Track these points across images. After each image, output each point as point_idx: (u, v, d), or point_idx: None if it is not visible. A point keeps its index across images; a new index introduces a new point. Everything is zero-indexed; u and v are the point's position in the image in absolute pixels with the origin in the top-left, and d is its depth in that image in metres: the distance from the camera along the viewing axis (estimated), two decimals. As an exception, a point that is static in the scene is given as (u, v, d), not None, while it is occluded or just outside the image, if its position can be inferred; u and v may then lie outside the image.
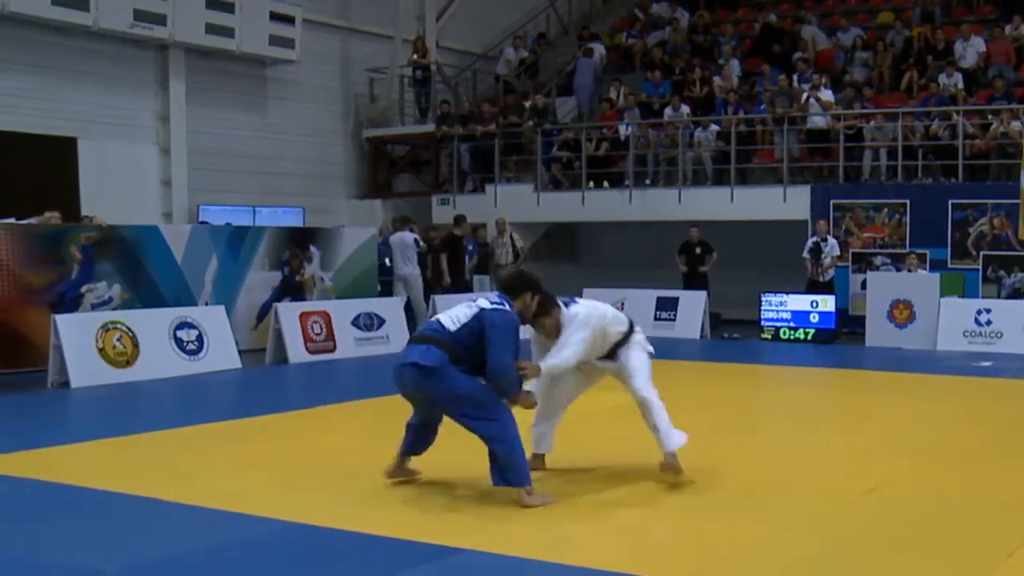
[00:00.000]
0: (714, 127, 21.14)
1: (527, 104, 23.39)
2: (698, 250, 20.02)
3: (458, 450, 9.37)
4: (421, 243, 19.66)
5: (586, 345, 7.68)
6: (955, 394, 13.10)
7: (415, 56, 24.28)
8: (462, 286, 19.85)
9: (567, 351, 7.61)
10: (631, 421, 10.51)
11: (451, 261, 19.98)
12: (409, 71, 24.57)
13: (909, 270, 17.86)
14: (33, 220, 14.71)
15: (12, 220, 14.38)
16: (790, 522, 6.93)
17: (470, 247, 20.63)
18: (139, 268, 15.20)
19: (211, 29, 20.43)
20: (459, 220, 20.49)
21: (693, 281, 20.00)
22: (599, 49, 25.28)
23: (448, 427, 10.23)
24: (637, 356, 8.04)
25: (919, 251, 18.21)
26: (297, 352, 15.85)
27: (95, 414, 12.03)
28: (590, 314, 7.80)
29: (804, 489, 7.81)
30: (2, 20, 17.90)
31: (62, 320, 13.42)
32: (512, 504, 7.31)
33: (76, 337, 13.39)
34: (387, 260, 19.76)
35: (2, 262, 13.64)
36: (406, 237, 19.51)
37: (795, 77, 21.26)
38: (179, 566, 6.11)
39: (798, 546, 6.42)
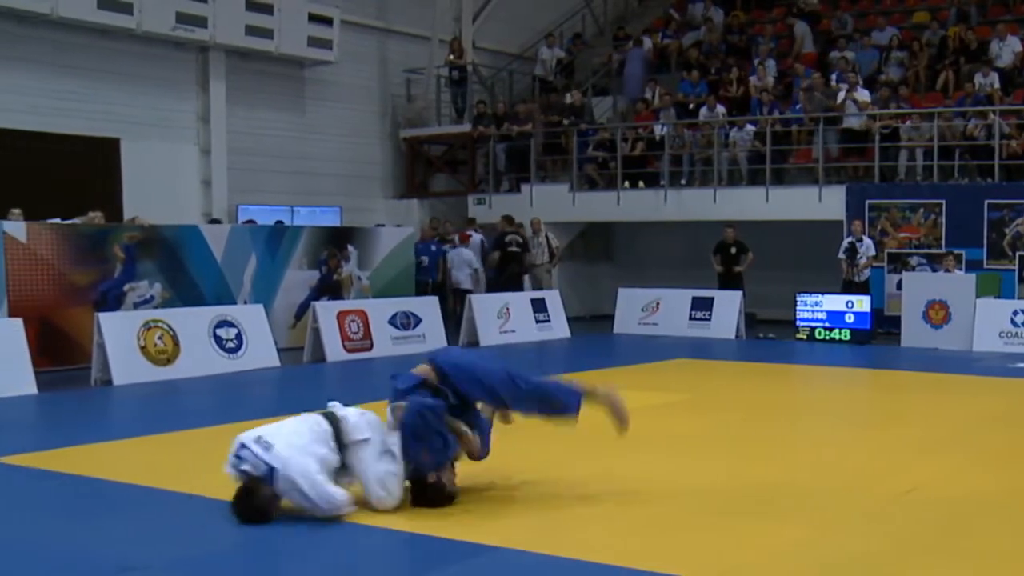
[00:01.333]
0: (750, 127, 21.15)
1: (568, 98, 23.46)
2: (733, 250, 20.06)
3: (496, 449, 9.46)
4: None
5: None
6: (991, 395, 13.05)
7: (452, 56, 24.43)
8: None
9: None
10: (666, 421, 10.65)
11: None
12: (446, 71, 24.72)
13: (947, 270, 17.82)
14: (77, 220, 14.97)
15: (57, 220, 14.64)
16: (827, 523, 6.90)
17: (433, 248, 20.73)
18: (180, 267, 15.42)
19: (251, 31, 20.65)
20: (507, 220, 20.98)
21: (728, 281, 20.02)
22: (648, 41, 25.41)
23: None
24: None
25: (955, 251, 18.18)
26: (335, 350, 16.01)
27: (137, 411, 12.21)
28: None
29: (841, 490, 7.77)
30: (50, 24, 18.19)
31: (105, 318, 13.61)
32: (547, 503, 7.35)
33: (119, 335, 13.58)
34: (424, 259, 19.92)
35: (47, 261, 13.90)
36: (464, 253, 19.87)
37: (833, 76, 21.23)
38: (220, 561, 6.20)
39: (835, 547, 6.38)
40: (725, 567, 6.03)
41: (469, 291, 20.08)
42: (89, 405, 12.45)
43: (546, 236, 21.15)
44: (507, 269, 20.78)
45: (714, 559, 6.16)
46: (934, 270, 18.32)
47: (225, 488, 7.54)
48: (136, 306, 14.72)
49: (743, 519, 7.00)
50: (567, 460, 8.71)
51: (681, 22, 26.94)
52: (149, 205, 17.91)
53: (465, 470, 7.61)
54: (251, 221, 19.27)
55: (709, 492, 7.70)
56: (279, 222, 19.24)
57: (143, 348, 13.79)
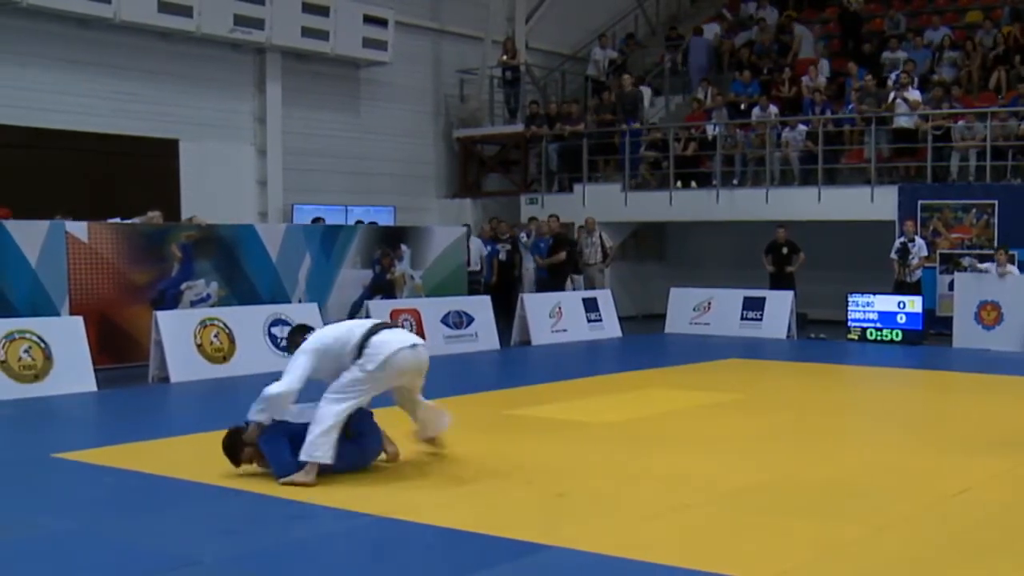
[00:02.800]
0: (802, 127, 21.11)
1: (623, 81, 23.51)
2: (785, 250, 20.03)
3: (539, 445, 9.53)
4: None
5: (303, 370, 8.13)
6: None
7: (505, 57, 24.55)
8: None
9: (284, 378, 8.08)
10: (718, 420, 10.72)
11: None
12: (499, 72, 24.85)
13: (998, 263, 17.51)
14: (136, 219, 15.22)
15: (117, 219, 14.91)
16: (880, 523, 6.87)
17: (488, 249, 20.88)
18: (236, 266, 15.58)
19: (307, 32, 20.88)
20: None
21: (780, 281, 20.01)
22: (712, 28, 25.45)
23: (532, 426, 10.40)
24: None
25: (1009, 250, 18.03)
26: (388, 349, 16.10)
27: (194, 408, 12.42)
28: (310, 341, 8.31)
29: (894, 490, 7.77)
30: (112, 27, 18.51)
31: (163, 316, 13.82)
32: (596, 500, 7.44)
33: (176, 333, 13.79)
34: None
35: (107, 260, 14.14)
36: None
37: (891, 77, 21.12)
38: (271, 557, 6.29)
39: (889, 547, 6.39)
40: (778, 568, 6.02)
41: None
42: (147, 402, 12.67)
43: (600, 236, 21.21)
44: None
45: (766, 559, 6.17)
46: (981, 261, 18.04)
47: (276, 486, 7.71)
48: (193, 304, 14.89)
49: (797, 519, 7.02)
50: (617, 459, 8.81)
51: (733, 22, 26.92)
52: (206, 205, 18.21)
53: (507, 468, 7.67)
54: (320, 219, 19.46)
55: (763, 492, 7.73)
56: (359, 221, 19.44)
57: (199, 346, 14.00)
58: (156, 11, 18.64)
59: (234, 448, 8.06)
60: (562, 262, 20.59)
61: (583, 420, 10.85)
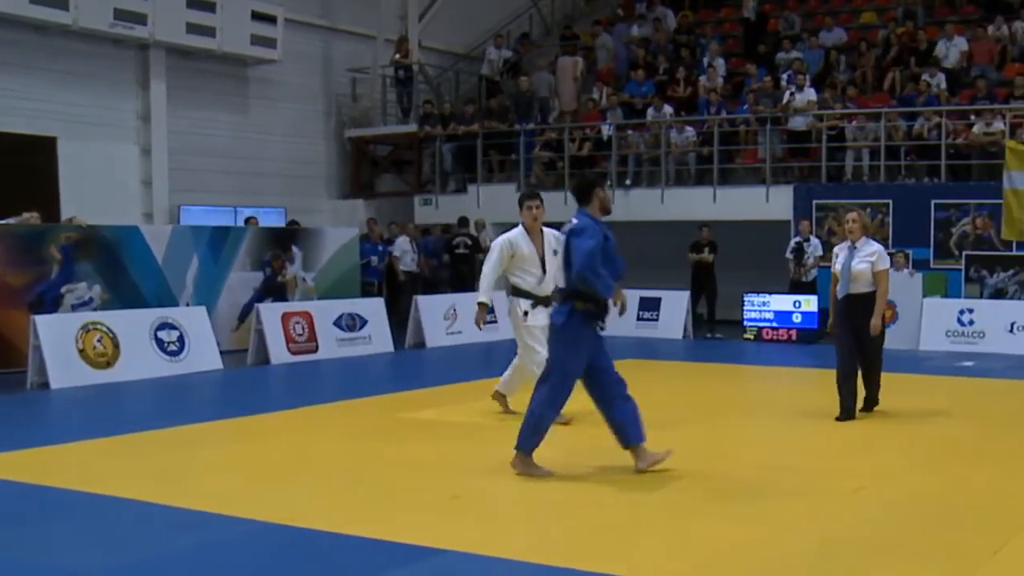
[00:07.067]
0: (690, 129, 21.11)
1: (518, 82, 23.36)
2: (707, 250, 19.89)
3: (433, 448, 9.38)
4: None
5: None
6: (938, 394, 13.11)
7: (398, 56, 24.25)
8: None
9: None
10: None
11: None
12: (391, 71, 24.54)
13: (896, 269, 17.73)
14: (12, 220, 14.65)
15: (-9, 220, 14.34)
16: (777, 522, 6.91)
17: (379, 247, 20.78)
18: (120, 268, 15.18)
19: (192, 29, 20.33)
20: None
21: (702, 280, 19.85)
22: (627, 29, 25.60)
23: (426, 429, 10.24)
24: None
25: (904, 251, 18.21)
26: (279, 353, 15.78)
27: (75, 415, 11.98)
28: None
29: (790, 489, 7.79)
30: (-19, 19, 17.82)
31: (42, 321, 13.37)
32: (491, 503, 7.38)
33: (56, 338, 13.34)
34: (372, 259, 19.87)
35: (-19, 262, 13.59)
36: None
37: (784, 77, 21.21)
38: (161, 567, 6.10)
39: (786, 546, 6.40)
40: (675, 568, 6.01)
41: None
42: (26, 409, 12.19)
43: (488, 236, 21.16)
44: (458, 270, 20.67)
45: (663, 560, 6.16)
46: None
47: (166, 494, 7.39)
48: (74, 308, 14.46)
49: (692, 519, 7.03)
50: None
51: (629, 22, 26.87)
52: (88, 205, 17.60)
53: (405, 471, 7.41)
54: (253, 219, 19.07)
55: (657, 493, 7.71)
56: (250, 219, 19.19)
57: (82, 351, 13.53)
58: (28, 2, 17.94)
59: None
60: (454, 264, 20.57)
61: (477, 422, 10.79)
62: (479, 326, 10.38)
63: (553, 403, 8.04)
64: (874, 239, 11.34)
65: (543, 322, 9.76)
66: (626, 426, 8.08)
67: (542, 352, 9.38)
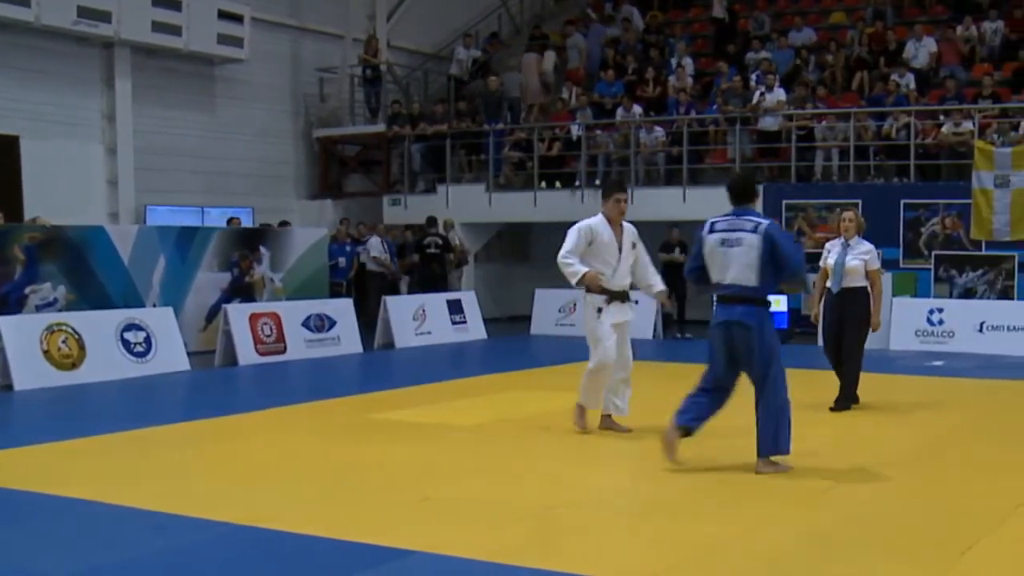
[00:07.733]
0: (659, 129, 21.09)
1: (488, 82, 23.29)
2: (677, 250, 19.85)
3: (403, 449, 9.33)
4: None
5: None
6: (908, 393, 13.10)
7: (366, 55, 24.12)
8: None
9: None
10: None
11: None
12: (360, 71, 24.41)
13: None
14: (-27, 220, 14.49)
15: (-48, 220, 14.15)
16: (748, 522, 6.88)
17: (347, 248, 20.77)
18: (85, 269, 15.00)
19: (157, 27, 20.12)
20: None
21: (672, 280, 19.78)
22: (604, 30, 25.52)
23: (395, 430, 10.16)
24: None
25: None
26: (247, 354, 15.63)
27: (40, 417, 11.81)
28: None
29: (760, 489, 7.75)
30: (-58, 16, 17.58)
31: (5, 322, 13.20)
32: (461, 504, 7.27)
33: (20, 339, 13.15)
34: (340, 260, 19.81)
35: (-58, 263, 13.40)
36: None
37: (753, 77, 21.22)
38: (128, 570, 6.00)
39: (756, 546, 6.36)
40: (648, 569, 5.96)
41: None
42: (-12, 411, 11.99)
43: (457, 237, 21.16)
44: (429, 270, 20.57)
45: (636, 561, 6.13)
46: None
47: (132, 496, 7.28)
48: (39, 309, 14.28)
49: (664, 520, 7.02)
50: (482, 462, 8.48)
51: (598, 22, 26.84)
52: (52, 205, 17.40)
53: (375, 473, 7.32)
54: (235, 219, 18.99)
55: (629, 493, 7.80)
56: (232, 219, 19.24)
57: (46, 352, 13.34)
58: (-13, -2, 17.73)
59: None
60: (424, 264, 20.48)
61: (447, 423, 10.72)
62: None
63: (784, 391, 8.28)
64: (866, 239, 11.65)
65: (618, 319, 9.59)
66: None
67: (609, 347, 9.47)
